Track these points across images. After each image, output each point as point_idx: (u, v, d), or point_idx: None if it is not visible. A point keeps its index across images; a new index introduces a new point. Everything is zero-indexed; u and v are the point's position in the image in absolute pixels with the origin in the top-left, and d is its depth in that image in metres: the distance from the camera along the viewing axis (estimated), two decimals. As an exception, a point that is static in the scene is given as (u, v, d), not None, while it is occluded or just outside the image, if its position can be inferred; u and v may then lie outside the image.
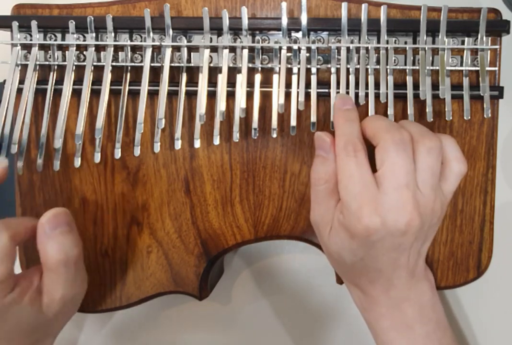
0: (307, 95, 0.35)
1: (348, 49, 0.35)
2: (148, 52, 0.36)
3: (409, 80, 0.36)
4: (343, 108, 0.33)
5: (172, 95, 0.36)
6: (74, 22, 0.35)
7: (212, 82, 0.36)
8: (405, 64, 0.36)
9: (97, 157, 0.36)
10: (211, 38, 0.36)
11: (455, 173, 0.32)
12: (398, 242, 0.31)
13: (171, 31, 0.35)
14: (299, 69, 0.35)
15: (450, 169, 0.32)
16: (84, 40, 0.36)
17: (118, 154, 0.36)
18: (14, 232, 0.31)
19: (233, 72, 0.35)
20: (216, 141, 0.35)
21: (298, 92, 0.35)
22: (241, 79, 0.35)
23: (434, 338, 0.33)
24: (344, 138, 0.32)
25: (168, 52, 0.36)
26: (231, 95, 0.35)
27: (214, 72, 0.36)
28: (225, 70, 0.35)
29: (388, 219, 0.30)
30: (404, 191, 0.30)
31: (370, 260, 0.32)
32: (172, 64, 0.36)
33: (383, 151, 0.31)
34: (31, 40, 0.36)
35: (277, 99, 0.35)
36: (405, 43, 0.36)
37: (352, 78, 0.35)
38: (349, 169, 0.31)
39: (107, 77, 0.36)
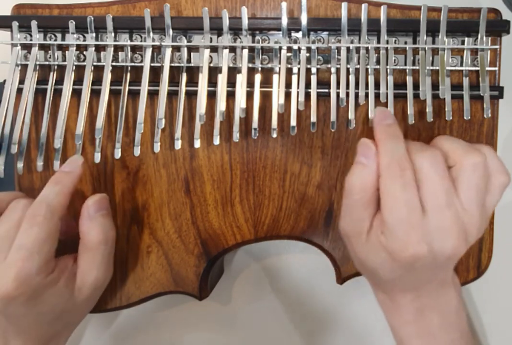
0: (307, 95, 0.35)
1: (348, 49, 0.35)
2: (148, 52, 0.36)
3: (409, 80, 0.36)
4: (384, 123, 0.32)
5: (172, 95, 0.36)
6: (74, 22, 0.35)
7: (212, 82, 0.36)
8: (405, 64, 0.36)
9: (97, 157, 0.36)
10: (211, 38, 0.36)
11: (498, 186, 0.31)
12: (441, 265, 0.31)
13: (171, 31, 0.35)
14: (299, 69, 0.35)
15: (492, 182, 0.31)
16: (84, 40, 0.36)
17: (118, 154, 0.36)
18: (59, 211, 0.32)
19: (233, 72, 0.35)
20: (216, 141, 0.35)
21: (298, 92, 0.35)
22: (241, 79, 0.35)
23: None
24: (389, 155, 0.30)
25: (168, 52, 0.36)
26: (231, 95, 0.35)
27: (214, 72, 0.36)
28: (225, 70, 0.35)
29: (435, 245, 0.29)
30: (446, 212, 0.29)
31: (408, 278, 0.31)
32: (172, 64, 0.36)
33: (418, 172, 0.30)
34: (31, 40, 0.36)
35: (277, 99, 0.35)
36: (405, 43, 0.36)
37: (352, 78, 0.35)
38: (395, 190, 0.29)
39: (107, 77, 0.36)
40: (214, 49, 0.36)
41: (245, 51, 0.35)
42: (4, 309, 0.31)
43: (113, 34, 0.36)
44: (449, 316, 0.33)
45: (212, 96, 0.35)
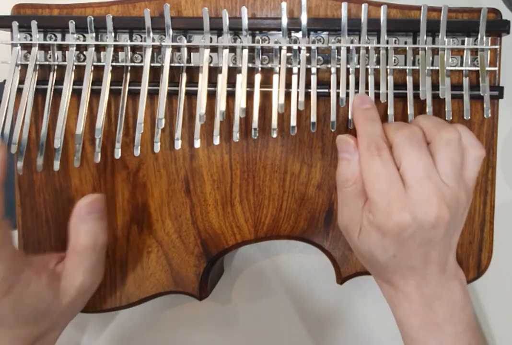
0: (307, 95, 0.35)
1: (348, 49, 0.35)
2: (148, 52, 0.36)
3: (409, 80, 0.36)
4: (362, 107, 0.33)
5: (172, 95, 0.36)
6: (74, 22, 0.35)
7: (212, 82, 0.36)
8: (405, 64, 0.36)
9: (97, 157, 0.36)
10: (211, 38, 0.36)
11: (473, 158, 0.32)
12: (429, 236, 0.31)
13: (171, 31, 0.35)
14: (299, 69, 0.35)
15: (468, 156, 0.32)
16: (84, 40, 0.36)
17: (118, 154, 0.36)
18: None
19: (233, 72, 0.35)
20: (216, 141, 0.35)
21: (298, 92, 0.35)
22: (241, 79, 0.35)
23: (463, 339, 0.33)
24: (367, 137, 0.32)
25: (168, 52, 0.36)
26: (231, 95, 0.35)
27: (214, 72, 0.36)
28: (225, 70, 0.35)
29: (418, 213, 0.30)
30: (426, 183, 0.30)
31: (403, 257, 0.32)
32: (172, 64, 0.36)
33: (397, 149, 0.31)
34: (31, 40, 0.36)
35: (277, 99, 0.35)
36: (405, 43, 0.36)
37: (352, 78, 0.35)
38: (375, 168, 0.31)
39: (107, 77, 0.36)
40: (214, 49, 0.36)
41: (245, 51, 0.35)
42: None
43: (113, 34, 0.36)
44: (454, 309, 0.33)
45: (212, 96, 0.35)
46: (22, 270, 0.31)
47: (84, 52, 0.37)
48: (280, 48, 0.35)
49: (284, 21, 0.35)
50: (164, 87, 0.35)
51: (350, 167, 0.32)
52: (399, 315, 0.34)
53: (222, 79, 0.35)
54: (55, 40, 0.37)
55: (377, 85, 0.35)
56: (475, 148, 0.32)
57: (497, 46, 0.36)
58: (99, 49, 0.37)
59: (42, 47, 0.36)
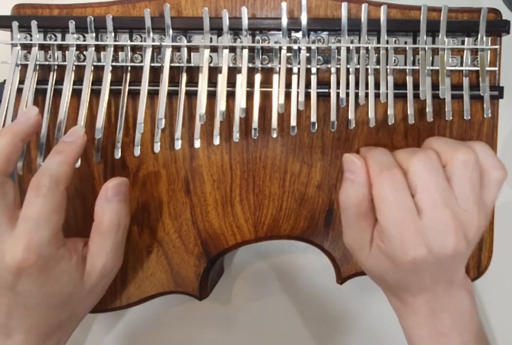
0: (307, 95, 0.35)
1: (348, 49, 0.35)
2: (148, 52, 0.36)
3: (409, 80, 0.35)
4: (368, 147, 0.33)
5: (172, 95, 0.36)
6: (74, 22, 0.35)
7: (212, 82, 0.36)
8: (405, 64, 0.36)
9: (97, 157, 0.36)
10: (211, 38, 0.36)
11: (494, 181, 0.31)
12: (444, 264, 0.30)
13: (171, 31, 0.35)
14: (299, 69, 0.35)
15: (488, 178, 0.31)
16: (84, 40, 0.36)
17: (118, 154, 0.36)
18: (64, 181, 0.32)
19: (233, 72, 0.35)
20: (216, 141, 0.35)
21: (298, 92, 0.35)
22: (241, 79, 0.35)
23: None
24: (379, 163, 0.31)
25: (168, 52, 0.36)
26: (231, 95, 0.35)
27: (214, 72, 0.36)
28: (225, 70, 0.35)
29: (434, 246, 0.29)
30: (443, 211, 0.29)
31: (413, 280, 0.31)
32: (172, 64, 0.36)
33: (412, 175, 0.30)
34: (31, 40, 0.36)
35: (277, 99, 0.35)
36: (405, 43, 0.36)
37: (352, 78, 0.35)
38: (387, 195, 0.30)
39: (107, 77, 0.36)
40: (214, 49, 0.36)
41: (245, 51, 0.35)
42: (14, 283, 0.30)
43: (113, 34, 0.36)
44: (461, 318, 0.33)
45: (212, 96, 0.35)
46: (60, 246, 0.31)
47: (84, 52, 0.37)
48: (280, 48, 0.35)
49: (284, 21, 0.35)
50: (164, 87, 0.35)
51: (354, 189, 0.31)
52: (406, 326, 0.34)
53: (222, 79, 0.35)
54: (55, 40, 0.37)
55: (377, 85, 0.35)
56: (496, 170, 0.31)
57: (497, 46, 0.36)
58: (99, 49, 0.37)
59: (42, 47, 0.36)
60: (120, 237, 0.34)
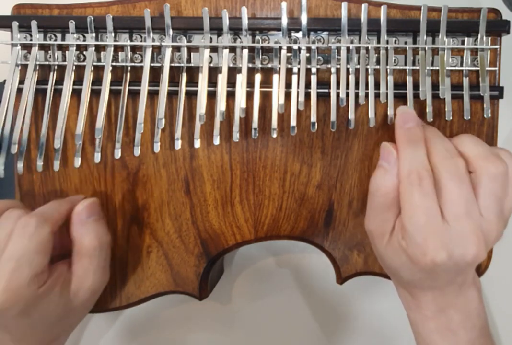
0: (307, 95, 0.35)
1: (348, 49, 0.35)
2: (148, 52, 0.36)
3: (409, 80, 0.35)
4: (404, 126, 0.32)
5: (172, 95, 0.36)
6: (74, 22, 0.35)
7: (212, 82, 0.36)
8: (405, 64, 0.36)
9: (97, 157, 0.36)
10: (211, 38, 0.36)
11: None
12: (462, 270, 0.31)
13: (171, 31, 0.35)
14: (299, 69, 0.35)
15: (511, 188, 0.31)
16: (84, 40, 0.36)
17: (118, 154, 0.36)
18: (52, 224, 0.32)
19: (233, 72, 0.35)
20: (216, 141, 0.35)
21: (298, 92, 0.35)
22: (241, 79, 0.35)
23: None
24: (408, 164, 0.31)
25: (168, 52, 0.36)
26: (231, 95, 0.35)
27: (214, 72, 0.36)
28: (225, 70, 0.35)
29: (455, 252, 0.29)
30: (466, 220, 0.29)
31: (429, 281, 0.32)
32: (172, 64, 0.36)
33: (439, 180, 0.30)
34: (31, 40, 0.36)
35: (277, 99, 0.35)
36: (405, 43, 0.36)
37: (352, 78, 0.35)
38: (413, 198, 0.30)
39: (107, 77, 0.36)
40: (214, 49, 0.36)
41: (245, 51, 0.35)
42: None
43: (113, 34, 0.36)
44: (469, 315, 0.33)
45: (212, 96, 0.35)
46: (41, 285, 0.31)
47: (84, 52, 0.37)
48: (280, 48, 0.35)
49: (284, 21, 0.35)
50: (164, 87, 0.35)
51: (385, 178, 0.31)
52: (413, 318, 0.34)
53: (222, 79, 0.35)
54: (55, 40, 0.37)
55: (377, 85, 0.35)
56: None
57: (497, 46, 0.36)
58: (99, 49, 0.37)
59: (42, 47, 0.36)
60: (104, 255, 0.34)
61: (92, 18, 0.35)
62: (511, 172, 0.31)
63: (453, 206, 0.29)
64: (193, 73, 0.37)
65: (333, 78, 0.35)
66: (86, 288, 0.33)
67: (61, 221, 0.33)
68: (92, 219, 0.34)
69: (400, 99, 0.36)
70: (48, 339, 0.33)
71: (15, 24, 0.35)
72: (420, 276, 0.31)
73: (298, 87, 0.35)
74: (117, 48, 0.37)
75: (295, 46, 0.35)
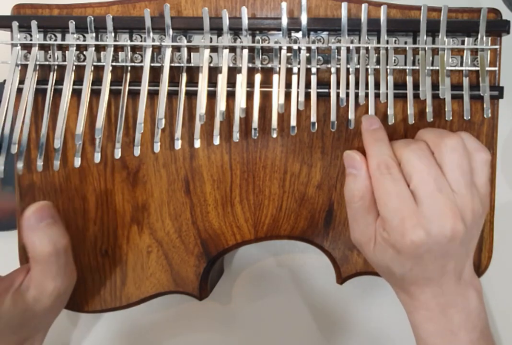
0: (307, 95, 0.35)
1: (348, 49, 0.35)
2: (148, 52, 0.36)
3: (409, 80, 0.36)
4: (370, 128, 0.34)
5: (172, 95, 0.36)
6: (74, 22, 0.35)
7: (212, 82, 0.36)
8: (405, 64, 0.36)
9: (97, 157, 0.36)
10: (211, 38, 0.36)
11: (481, 162, 0.32)
12: (445, 249, 0.31)
13: (171, 31, 0.35)
14: (299, 69, 0.35)
15: (475, 161, 0.32)
16: (84, 40, 0.36)
17: (118, 154, 0.36)
18: None
19: (233, 72, 0.35)
20: (216, 141, 0.35)
21: (298, 92, 0.35)
22: (241, 79, 0.35)
23: None
24: (376, 157, 0.32)
25: (168, 52, 0.36)
26: (231, 95, 0.35)
27: (214, 72, 0.36)
28: (225, 70, 0.35)
29: (432, 229, 0.30)
30: (438, 197, 0.30)
31: (420, 270, 0.32)
32: (172, 64, 0.36)
33: (406, 165, 0.31)
34: (31, 40, 0.36)
35: (277, 99, 0.35)
36: (405, 43, 0.36)
37: (352, 78, 0.35)
38: (385, 186, 0.31)
39: (107, 77, 0.36)
40: (214, 49, 0.36)
41: (245, 51, 0.35)
42: None
43: (113, 34, 0.36)
44: (469, 316, 0.33)
45: (212, 96, 0.35)
46: None
47: (84, 52, 0.37)
48: (280, 48, 0.35)
49: (284, 21, 0.35)
50: (164, 87, 0.35)
51: (357, 182, 0.32)
52: (414, 321, 0.34)
53: (222, 79, 0.35)
54: (55, 40, 0.37)
55: (377, 85, 0.35)
56: (480, 152, 0.32)
57: (497, 46, 0.36)
58: (99, 49, 0.37)
59: (42, 47, 0.36)
60: (64, 259, 0.33)
61: (92, 18, 0.35)
62: (469, 146, 0.32)
63: (423, 185, 0.30)
64: (193, 73, 0.37)
65: (333, 78, 0.35)
66: (49, 294, 0.32)
67: None
68: (44, 223, 0.32)
69: (400, 99, 0.36)
70: (16, 341, 0.33)
71: (15, 24, 0.35)
72: (410, 265, 0.32)
73: (298, 87, 0.35)
74: (117, 48, 0.37)
75: (295, 46, 0.35)
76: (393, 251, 0.31)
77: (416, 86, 0.35)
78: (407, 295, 0.34)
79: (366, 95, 0.35)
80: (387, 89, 0.35)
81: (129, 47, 0.36)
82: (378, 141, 0.33)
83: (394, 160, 0.32)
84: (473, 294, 0.34)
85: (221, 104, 0.34)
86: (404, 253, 0.31)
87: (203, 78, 0.35)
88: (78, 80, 0.36)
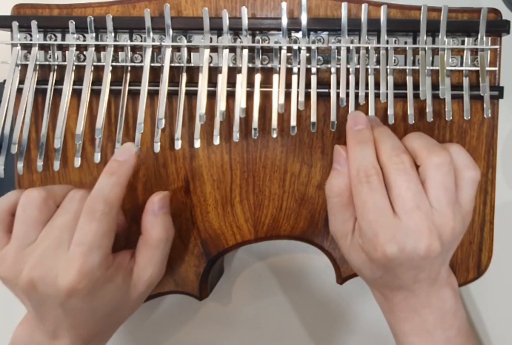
0: (307, 95, 0.35)
1: (348, 49, 0.35)
2: (148, 52, 0.36)
3: (409, 80, 0.36)
4: (354, 128, 0.33)
5: (172, 95, 0.36)
6: (74, 22, 0.35)
7: (212, 82, 0.36)
8: (405, 64, 0.36)
9: (97, 157, 0.36)
10: (211, 38, 0.36)
11: (468, 180, 0.31)
12: (417, 264, 0.31)
13: (171, 31, 0.35)
14: (299, 69, 0.35)
15: (462, 178, 0.31)
16: (84, 40, 0.36)
17: (118, 154, 0.36)
18: (116, 207, 0.32)
19: (233, 72, 0.35)
20: (216, 141, 0.35)
21: (298, 92, 0.35)
22: (241, 79, 0.35)
23: (455, 344, 0.33)
24: (356, 163, 0.31)
25: (168, 52, 0.36)
26: (231, 95, 0.35)
27: (214, 72, 0.36)
28: (225, 70, 0.35)
29: (406, 246, 0.29)
30: (415, 213, 0.30)
31: (390, 278, 0.32)
32: (172, 64, 0.36)
33: (387, 176, 0.31)
34: (31, 40, 0.36)
35: (277, 99, 0.35)
36: (405, 43, 0.36)
37: (352, 78, 0.35)
38: (362, 195, 0.31)
39: (107, 77, 0.36)
40: (214, 49, 0.36)
41: (245, 51, 0.35)
42: (65, 302, 0.30)
43: (113, 34, 0.36)
44: (445, 316, 0.33)
45: (212, 96, 0.35)
46: (109, 267, 0.32)
47: (84, 52, 0.37)
48: (280, 48, 0.35)
49: (284, 21, 0.35)
50: (164, 87, 0.35)
51: (338, 179, 0.32)
52: (389, 320, 0.35)
53: (222, 79, 0.35)
54: (55, 40, 0.37)
55: (377, 85, 0.35)
56: (469, 170, 0.31)
57: (497, 46, 0.36)
58: (99, 49, 0.37)
59: (42, 47, 0.36)
60: (167, 250, 0.35)
61: (92, 18, 0.35)
62: (459, 162, 0.31)
63: (402, 200, 0.30)
64: (193, 73, 0.37)
65: (333, 78, 0.35)
66: (145, 280, 0.33)
67: (122, 198, 0.33)
68: (163, 211, 0.34)
69: (400, 99, 0.36)
70: (95, 331, 0.33)
71: (15, 24, 0.35)
72: (380, 273, 0.32)
73: (298, 87, 0.35)
74: (117, 48, 0.37)
75: (295, 46, 0.35)
76: (366, 257, 0.31)
77: (416, 86, 0.35)
78: (381, 295, 0.34)
79: (366, 95, 0.35)
80: (387, 89, 0.35)
81: (129, 47, 0.36)
82: (362, 143, 0.32)
83: (376, 167, 0.31)
84: (449, 294, 0.34)
85: (221, 104, 0.34)
86: (376, 263, 0.31)
87: (203, 78, 0.35)
88: (78, 80, 0.36)
